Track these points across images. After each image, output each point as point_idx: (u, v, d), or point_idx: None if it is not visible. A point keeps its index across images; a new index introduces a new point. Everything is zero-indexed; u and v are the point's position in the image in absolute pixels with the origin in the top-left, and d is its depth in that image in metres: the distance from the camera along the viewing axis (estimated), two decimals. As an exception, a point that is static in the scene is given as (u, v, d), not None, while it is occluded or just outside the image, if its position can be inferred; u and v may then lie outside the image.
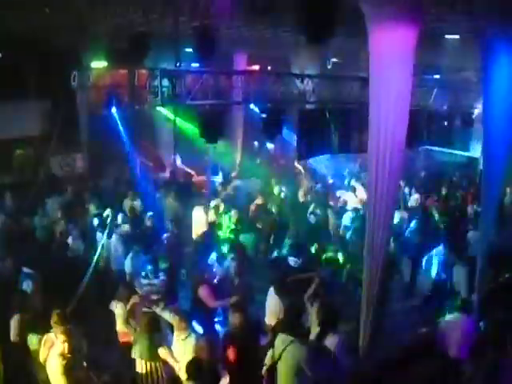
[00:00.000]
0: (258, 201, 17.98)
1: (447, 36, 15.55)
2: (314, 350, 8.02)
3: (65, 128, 19.26)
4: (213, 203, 17.01)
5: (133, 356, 8.87)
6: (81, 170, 20.22)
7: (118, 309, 10.23)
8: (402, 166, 7.92)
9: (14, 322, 9.69)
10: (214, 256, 12.47)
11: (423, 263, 13.33)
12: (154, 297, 10.12)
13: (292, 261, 12.01)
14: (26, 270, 11.52)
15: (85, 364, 8.71)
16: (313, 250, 13.64)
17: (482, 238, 11.07)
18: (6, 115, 18.87)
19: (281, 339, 8.09)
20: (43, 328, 8.96)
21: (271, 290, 10.38)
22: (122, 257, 13.12)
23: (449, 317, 9.82)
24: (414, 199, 18.76)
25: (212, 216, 16.29)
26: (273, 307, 10.22)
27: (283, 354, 7.86)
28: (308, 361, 7.80)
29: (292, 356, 7.81)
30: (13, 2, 13.13)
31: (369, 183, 7.87)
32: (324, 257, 13.01)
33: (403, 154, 7.88)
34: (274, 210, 17.53)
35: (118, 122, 18.68)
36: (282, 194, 19.68)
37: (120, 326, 10.14)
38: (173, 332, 9.06)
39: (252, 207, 17.79)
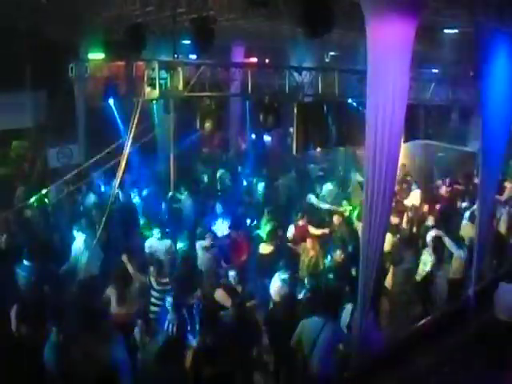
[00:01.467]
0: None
1: (445, 30, 15.55)
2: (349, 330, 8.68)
3: (62, 119, 19.22)
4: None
5: None
6: (78, 162, 20.16)
7: (111, 289, 10.40)
8: (399, 160, 7.91)
9: (13, 314, 9.76)
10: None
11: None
12: None
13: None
14: (26, 262, 11.52)
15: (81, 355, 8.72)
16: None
17: (478, 233, 11.08)
18: (2, 106, 18.84)
19: (309, 323, 8.45)
20: (40, 319, 9.03)
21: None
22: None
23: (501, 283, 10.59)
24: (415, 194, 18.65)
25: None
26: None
27: (320, 336, 8.18)
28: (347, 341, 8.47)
29: (331, 338, 8.24)
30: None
31: (365, 178, 7.86)
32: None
33: (401, 147, 7.89)
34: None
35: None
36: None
37: (115, 308, 10.27)
38: None
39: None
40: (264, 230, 14.51)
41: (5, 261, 11.96)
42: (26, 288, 11.07)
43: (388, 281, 12.01)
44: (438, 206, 16.79)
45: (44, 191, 17.08)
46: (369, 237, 7.95)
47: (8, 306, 9.92)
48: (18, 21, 16.20)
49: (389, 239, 11.84)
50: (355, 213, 15.07)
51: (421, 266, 12.51)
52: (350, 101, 16.51)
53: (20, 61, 19.47)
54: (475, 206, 12.79)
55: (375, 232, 7.93)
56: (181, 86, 14.59)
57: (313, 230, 14.24)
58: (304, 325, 8.51)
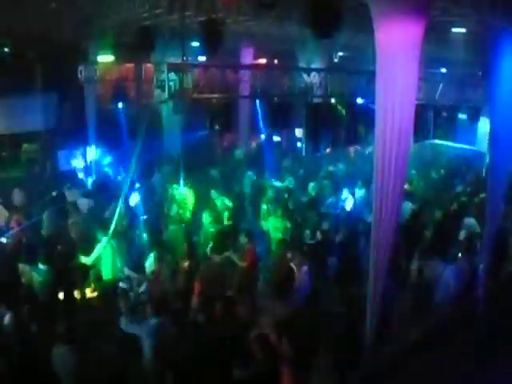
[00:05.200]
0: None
1: (453, 30, 15.55)
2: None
3: (72, 122, 19.33)
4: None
5: None
6: (88, 164, 20.25)
7: None
8: (408, 159, 7.92)
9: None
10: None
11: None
12: None
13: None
14: (41, 266, 11.59)
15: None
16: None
17: (487, 233, 11.06)
18: (13, 110, 18.94)
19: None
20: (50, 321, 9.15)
21: None
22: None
23: None
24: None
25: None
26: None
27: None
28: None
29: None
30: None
31: (375, 177, 7.87)
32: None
33: (410, 147, 7.90)
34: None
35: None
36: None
37: None
38: None
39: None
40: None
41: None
42: (40, 291, 11.13)
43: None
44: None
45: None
46: (378, 237, 7.96)
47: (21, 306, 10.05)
48: (29, 25, 16.26)
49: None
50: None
51: None
52: (359, 101, 16.51)
53: (30, 64, 19.58)
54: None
55: (384, 234, 7.94)
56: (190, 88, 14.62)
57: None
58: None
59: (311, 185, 17.11)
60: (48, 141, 20.30)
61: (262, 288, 10.73)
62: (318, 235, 13.36)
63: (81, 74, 17.97)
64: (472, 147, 23.80)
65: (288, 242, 12.34)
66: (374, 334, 8.28)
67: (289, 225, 14.01)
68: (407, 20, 7.35)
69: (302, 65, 20.39)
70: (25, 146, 21.09)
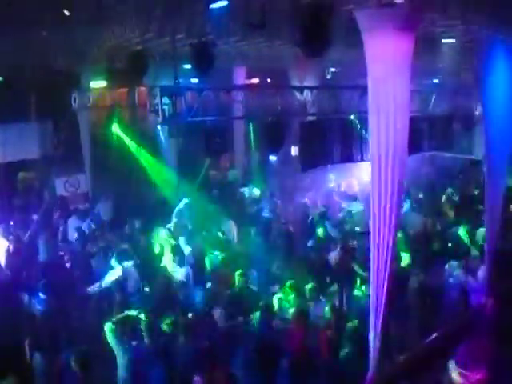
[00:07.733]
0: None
1: (444, 40, 15.61)
2: None
3: (67, 149, 19.32)
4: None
5: None
6: (85, 191, 20.22)
7: None
8: (404, 173, 7.90)
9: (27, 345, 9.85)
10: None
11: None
12: None
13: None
14: (42, 295, 11.54)
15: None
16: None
17: (488, 240, 11.04)
18: (8, 138, 18.93)
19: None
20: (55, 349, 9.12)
21: None
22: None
23: None
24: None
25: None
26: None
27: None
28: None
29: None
30: (11, 26, 13.24)
31: (372, 193, 7.85)
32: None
33: (406, 160, 7.87)
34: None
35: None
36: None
37: None
38: None
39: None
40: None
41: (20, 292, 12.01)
42: (41, 320, 11.07)
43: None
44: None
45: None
46: (376, 253, 7.91)
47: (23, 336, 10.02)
48: (22, 53, 16.29)
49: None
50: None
51: None
52: (352, 117, 16.52)
53: (23, 93, 19.61)
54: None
55: (383, 248, 7.88)
56: (184, 112, 14.62)
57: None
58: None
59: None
60: (44, 169, 20.30)
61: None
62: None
63: (75, 101, 18.01)
64: (469, 156, 23.85)
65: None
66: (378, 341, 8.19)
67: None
68: (396, 34, 7.37)
69: (295, 83, 20.44)
70: (21, 174, 21.08)
